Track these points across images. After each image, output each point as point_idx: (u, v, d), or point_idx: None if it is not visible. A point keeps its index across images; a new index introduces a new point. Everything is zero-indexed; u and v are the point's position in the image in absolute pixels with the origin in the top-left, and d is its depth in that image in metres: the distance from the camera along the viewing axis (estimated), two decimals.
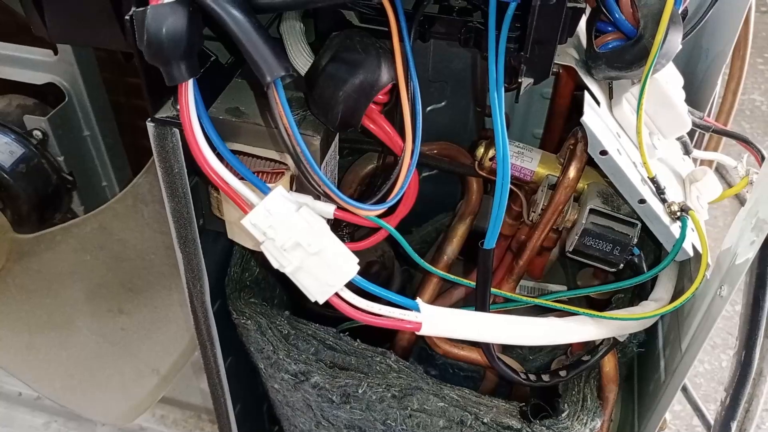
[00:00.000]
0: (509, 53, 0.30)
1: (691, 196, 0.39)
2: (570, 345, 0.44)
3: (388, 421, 0.43)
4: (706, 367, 1.01)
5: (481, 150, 0.45)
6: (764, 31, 1.78)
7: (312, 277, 0.30)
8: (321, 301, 0.30)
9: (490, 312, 0.35)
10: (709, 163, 0.53)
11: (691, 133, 0.43)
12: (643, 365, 0.48)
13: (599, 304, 0.47)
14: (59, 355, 0.64)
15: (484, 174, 0.45)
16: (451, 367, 0.54)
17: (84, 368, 0.65)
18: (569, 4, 0.31)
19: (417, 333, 0.32)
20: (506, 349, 0.49)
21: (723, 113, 0.68)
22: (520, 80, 0.30)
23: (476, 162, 0.45)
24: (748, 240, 0.33)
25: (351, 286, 0.31)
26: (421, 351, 0.54)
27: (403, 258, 0.56)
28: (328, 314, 0.46)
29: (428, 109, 0.55)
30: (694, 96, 0.47)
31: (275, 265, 0.30)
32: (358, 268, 0.30)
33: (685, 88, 0.48)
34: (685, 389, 0.52)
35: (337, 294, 0.30)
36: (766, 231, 0.32)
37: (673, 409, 0.96)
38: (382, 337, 0.47)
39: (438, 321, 0.31)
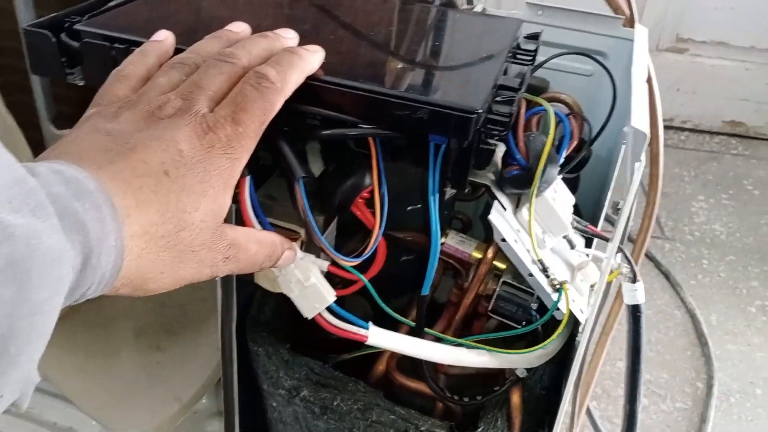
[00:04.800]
0: (443, 171, 0.49)
1: (576, 279, 0.56)
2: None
3: (354, 429, 0.58)
4: None
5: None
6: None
7: (306, 301, 0.47)
8: (309, 317, 0.48)
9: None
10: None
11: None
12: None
13: None
14: (104, 379, 0.80)
15: (441, 257, 0.63)
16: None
17: (122, 392, 0.80)
18: (482, 146, 0.50)
19: (365, 343, 0.49)
20: (451, 386, 0.64)
21: (643, 231, 0.86)
22: (445, 189, 0.49)
23: None
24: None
25: (330, 310, 0.48)
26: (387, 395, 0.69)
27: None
28: (318, 353, 0.63)
29: (408, 208, 0.74)
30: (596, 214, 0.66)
31: (284, 291, 0.47)
32: (335, 298, 0.48)
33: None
34: None
35: (320, 314, 0.48)
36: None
37: None
38: (357, 376, 0.63)
39: (379, 337, 0.49)
